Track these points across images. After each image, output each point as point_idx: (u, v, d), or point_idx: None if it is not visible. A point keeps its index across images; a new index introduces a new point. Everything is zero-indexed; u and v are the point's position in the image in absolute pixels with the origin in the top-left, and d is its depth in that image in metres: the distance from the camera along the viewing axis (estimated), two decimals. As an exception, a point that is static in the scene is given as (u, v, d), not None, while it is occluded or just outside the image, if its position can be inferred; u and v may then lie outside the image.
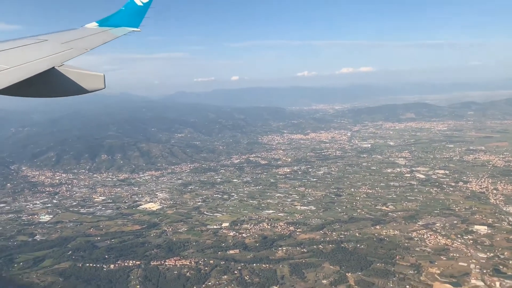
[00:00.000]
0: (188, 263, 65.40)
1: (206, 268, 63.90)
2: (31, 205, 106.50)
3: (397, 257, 66.41)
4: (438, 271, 61.64)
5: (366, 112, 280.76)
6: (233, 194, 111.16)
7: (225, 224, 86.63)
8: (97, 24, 17.39)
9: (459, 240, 72.96)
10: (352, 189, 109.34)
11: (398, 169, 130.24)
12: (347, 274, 61.03)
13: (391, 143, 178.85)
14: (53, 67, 9.00)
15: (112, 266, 65.34)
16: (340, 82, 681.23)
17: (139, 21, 17.68)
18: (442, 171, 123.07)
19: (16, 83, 7.49)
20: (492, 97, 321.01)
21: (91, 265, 65.86)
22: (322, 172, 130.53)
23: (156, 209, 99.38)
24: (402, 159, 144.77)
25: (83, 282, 60.51)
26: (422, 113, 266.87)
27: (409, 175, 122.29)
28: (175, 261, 66.06)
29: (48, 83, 9.02)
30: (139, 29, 17.65)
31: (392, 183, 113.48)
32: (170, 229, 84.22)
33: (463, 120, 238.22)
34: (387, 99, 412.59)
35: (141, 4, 17.58)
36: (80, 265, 65.92)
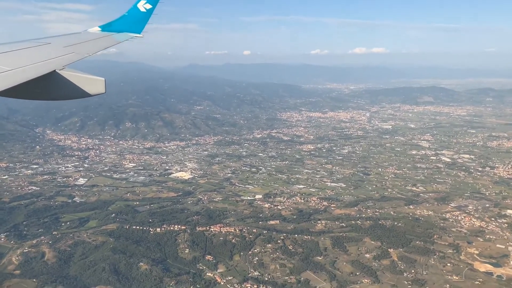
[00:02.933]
0: (232, 230, 67.18)
1: (251, 236, 65.70)
2: (63, 167, 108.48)
3: (435, 236, 67.87)
4: (477, 252, 63.15)
5: (383, 94, 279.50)
6: (261, 167, 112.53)
7: (258, 196, 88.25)
8: (99, 29, 17.50)
9: (494, 223, 74.25)
10: (380, 169, 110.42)
11: (422, 151, 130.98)
12: (389, 249, 62.69)
13: (412, 126, 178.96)
14: (55, 71, 8.88)
15: (158, 229, 67.24)
16: (353, 62, 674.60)
17: (141, 27, 17.74)
18: (467, 156, 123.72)
19: (17, 85, 7.43)
20: (508, 84, 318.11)
21: (137, 227, 67.78)
22: (346, 151, 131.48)
23: (188, 178, 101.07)
24: (425, 142, 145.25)
25: (133, 243, 62.51)
26: (440, 97, 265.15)
27: (434, 158, 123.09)
28: (220, 227, 67.85)
29: (49, 86, 8.94)
30: (141, 35, 17.74)
31: (418, 165, 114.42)
32: (206, 198, 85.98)
33: (482, 106, 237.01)
34: (400, 81, 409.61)
35: (144, 11, 17.62)
36: (127, 227, 67.87)
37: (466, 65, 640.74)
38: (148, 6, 17.54)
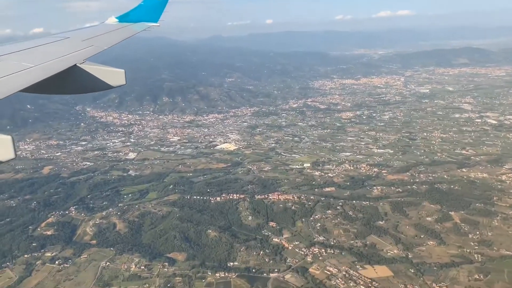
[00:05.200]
0: (290, 198, 68.47)
1: (310, 203, 66.88)
2: (111, 143, 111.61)
3: (494, 198, 67.39)
4: (540, 212, 62.55)
5: (415, 57, 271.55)
6: (303, 136, 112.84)
7: (306, 165, 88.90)
8: (117, 20, 17.27)
9: (553, 184, 73.00)
10: (425, 134, 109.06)
11: (466, 114, 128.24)
12: (450, 212, 62.75)
13: (450, 89, 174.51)
14: (75, 65, 8.95)
15: (218, 198, 69.19)
16: (378, 27, 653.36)
17: (158, 16, 17.45)
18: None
19: (40, 81, 7.50)
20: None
21: (198, 197, 69.92)
22: (387, 117, 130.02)
23: (233, 149, 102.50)
24: (466, 104, 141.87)
25: (197, 212, 64.66)
26: (475, 58, 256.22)
27: (479, 120, 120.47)
28: (278, 195, 69.22)
29: (71, 81, 9.04)
30: (158, 24, 17.44)
31: (464, 128, 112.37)
32: (255, 168, 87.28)
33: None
34: (430, 44, 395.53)
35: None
36: (188, 197, 70.08)
37: (496, 23, 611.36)
38: None
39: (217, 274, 49.06)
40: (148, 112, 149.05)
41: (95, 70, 9.05)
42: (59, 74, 8.31)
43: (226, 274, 49.15)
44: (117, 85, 9.32)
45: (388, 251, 53.28)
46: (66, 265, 51.73)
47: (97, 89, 9.31)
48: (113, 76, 9.25)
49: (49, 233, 59.37)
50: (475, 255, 51.51)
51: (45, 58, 9.15)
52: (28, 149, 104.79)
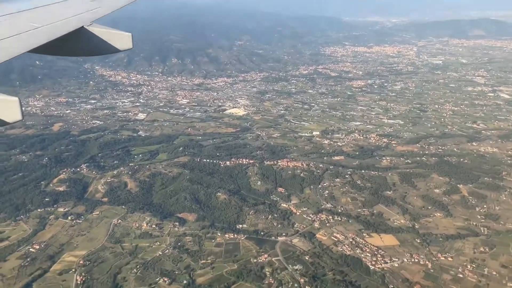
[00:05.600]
0: (299, 165, 68.82)
1: (318, 171, 67.27)
2: (120, 103, 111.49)
3: (503, 173, 67.41)
4: (548, 189, 62.64)
5: (429, 27, 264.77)
6: (313, 104, 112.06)
7: (316, 133, 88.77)
8: None
9: None
10: (436, 106, 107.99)
11: (478, 87, 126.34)
12: (458, 185, 63.03)
13: (464, 61, 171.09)
14: (83, 27, 8.75)
15: (227, 163, 69.72)
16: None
17: None
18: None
19: (47, 42, 7.37)
20: None
21: (207, 161, 70.45)
22: (399, 87, 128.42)
23: (243, 115, 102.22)
24: (480, 77, 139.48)
25: (207, 175, 65.37)
26: (492, 30, 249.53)
27: (492, 94, 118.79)
28: (287, 162, 69.57)
29: (77, 43, 8.86)
30: None
31: (476, 102, 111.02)
32: (264, 134, 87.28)
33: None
34: (446, 14, 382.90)
35: None
36: (198, 160, 70.63)
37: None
38: None
39: (226, 235, 50.12)
40: (156, 73, 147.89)
41: (102, 33, 8.85)
42: (66, 36, 8.17)
43: (235, 235, 50.19)
44: (124, 49, 9.15)
45: (395, 221, 53.99)
46: (78, 221, 52.91)
47: (103, 52, 9.09)
48: (120, 39, 9.01)
49: (61, 189, 60.43)
50: (481, 228, 52.14)
51: (53, 18, 8.99)
52: (38, 105, 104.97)
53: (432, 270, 44.26)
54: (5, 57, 6.43)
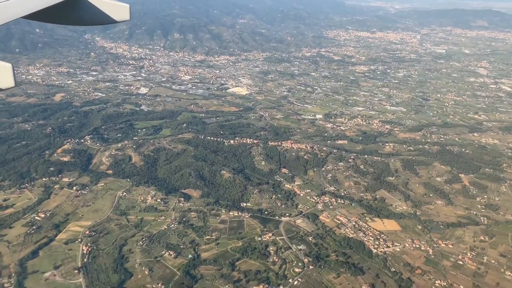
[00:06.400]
0: (303, 147, 69.03)
1: (322, 154, 67.56)
2: (122, 76, 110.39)
3: (504, 165, 68.21)
4: (547, 182, 63.58)
5: (433, 15, 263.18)
6: (316, 87, 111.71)
7: (318, 116, 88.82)
8: None
9: (563, 156, 73.58)
10: (438, 95, 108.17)
11: (480, 79, 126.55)
12: (460, 175, 63.73)
13: (466, 51, 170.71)
14: None
15: (232, 141, 69.72)
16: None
17: None
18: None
19: (44, 8, 7.28)
20: None
21: (212, 138, 70.39)
22: (402, 74, 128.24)
23: (245, 94, 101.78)
24: (482, 69, 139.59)
25: (211, 153, 65.39)
26: (494, 22, 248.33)
27: (494, 86, 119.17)
28: (291, 144, 69.74)
29: (73, 11, 8.66)
30: None
31: (478, 93, 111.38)
32: (267, 115, 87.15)
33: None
34: (448, 2, 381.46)
35: None
36: (202, 137, 70.54)
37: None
38: None
39: (231, 213, 50.56)
40: (158, 47, 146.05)
41: (99, 2, 8.61)
42: (63, 3, 8.01)
43: (240, 213, 50.65)
44: (121, 20, 8.87)
45: (397, 207, 54.70)
46: (83, 192, 53.01)
47: (100, 22, 8.87)
48: (117, 10, 8.75)
49: (65, 159, 60.23)
50: (481, 218, 53.04)
51: None
52: (39, 74, 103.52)
53: (432, 256, 45.16)
54: (1, 21, 6.28)
